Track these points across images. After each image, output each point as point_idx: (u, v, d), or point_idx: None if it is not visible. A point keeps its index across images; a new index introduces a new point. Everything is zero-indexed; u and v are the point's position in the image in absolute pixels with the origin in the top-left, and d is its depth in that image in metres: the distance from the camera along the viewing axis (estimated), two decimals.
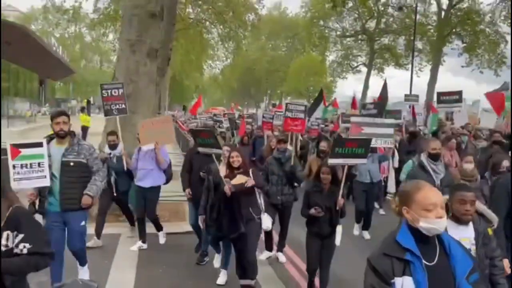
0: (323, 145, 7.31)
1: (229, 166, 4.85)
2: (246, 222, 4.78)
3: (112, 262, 5.76)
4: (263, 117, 12.09)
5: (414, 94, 17.38)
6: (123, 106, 7.10)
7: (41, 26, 44.45)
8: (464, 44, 30.43)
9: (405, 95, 16.61)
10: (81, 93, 56.30)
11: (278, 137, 6.73)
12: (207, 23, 29.50)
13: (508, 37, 28.59)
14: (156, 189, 6.42)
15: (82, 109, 20.70)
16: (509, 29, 27.67)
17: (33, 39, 21.95)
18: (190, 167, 6.14)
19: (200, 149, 5.54)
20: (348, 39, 37.94)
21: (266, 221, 5.06)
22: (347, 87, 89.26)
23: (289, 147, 6.59)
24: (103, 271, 5.34)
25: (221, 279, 5.23)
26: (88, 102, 27.93)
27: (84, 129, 17.91)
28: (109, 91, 7.09)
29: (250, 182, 4.72)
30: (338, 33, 37.67)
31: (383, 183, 8.71)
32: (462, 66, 31.67)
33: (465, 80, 60.62)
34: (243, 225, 4.73)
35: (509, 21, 26.87)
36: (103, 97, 7.13)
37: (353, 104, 17.25)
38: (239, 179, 4.72)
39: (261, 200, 5.15)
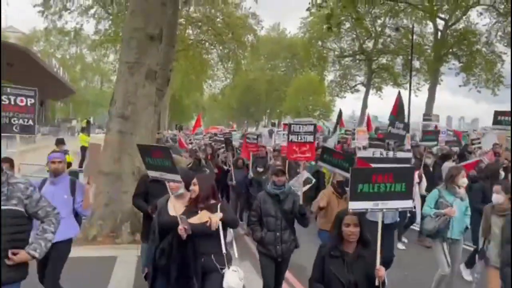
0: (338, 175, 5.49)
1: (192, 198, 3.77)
2: (203, 276, 3.59)
3: (108, 285, 5.69)
4: (247, 138, 10.36)
5: (434, 114, 16.62)
6: (30, 122, 5.41)
7: (42, 48, 44.94)
8: (461, 64, 30.72)
9: (424, 115, 15.93)
10: (81, 113, 56.56)
11: (276, 168, 5.08)
12: (207, 44, 29.87)
13: (505, 57, 28.89)
14: (65, 245, 4.50)
15: (82, 130, 20.75)
16: (505, 49, 28.00)
17: (34, 61, 22.19)
18: (145, 198, 4.91)
19: (150, 173, 4.06)
20: (346, 59, 38.32)
21: (231, 280, 3.55)
22: (346, 106, 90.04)
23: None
24: None
25: None
26: (88, 122, 27.98)
27: (83, 149, 17.92)
28: (12, 97, 5.29)
29: (214, 221, 3.53)
30: (337, 53, 38.07)
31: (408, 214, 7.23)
32: (460, 86, 31.91)
33: (464, 99, 61.18)
34: (198, 281, 3.55)
35: (506, 41, 27.21)
36: (2, 105, 5.20)
37: (368, 124, 16.42)
38: (201, 216, 3.62)
39: (232, 246, 4.35)
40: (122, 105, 7.86)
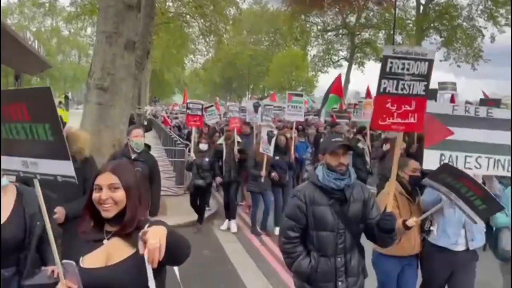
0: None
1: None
2: None
3: None
4: (230, 111, 10.53)
5: (450, 81, 13.93)
6: None
7: (16, 21, 43.28)
8: (442, 39, 30.92)
9: (439, 83, 13.48)
10: (59, 88, 55.18)
11: (335, 141, 2.89)
12: (188, 17, 29.21)
13: (485, 31, 29.16)
14: None
15: (60, 104, 20.29)
16: (485, 23, 28.23)
17: (7, 33, 21.35)
18: None
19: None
20: (329, 33, 38.10)
21: None
22: (329, 82, 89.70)
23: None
24: None
25: None
26: (66, 97, 27.31)
27: (62, 124, 17.56)
28: None
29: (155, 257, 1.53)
30: (319, 27, 37.79)
31: None
32: (441, 60, 32.19)
33: (445, 74, 61.79)
34: None
35: (486, 15, 27.40)
36: None
37: (368, 93, 15.15)
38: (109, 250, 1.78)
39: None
40: (101, 76, 7.63)
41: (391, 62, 2.72)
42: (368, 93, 15.45)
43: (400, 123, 2.78)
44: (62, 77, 54.37)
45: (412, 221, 3.01)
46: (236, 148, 7.53)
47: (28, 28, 40.45)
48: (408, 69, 2.73)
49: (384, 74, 2.74)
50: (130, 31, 8.03)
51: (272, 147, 7.76)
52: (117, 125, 7.75)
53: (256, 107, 9.39)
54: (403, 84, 2.75)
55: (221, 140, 7.90)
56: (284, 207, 7.05)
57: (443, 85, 13.31)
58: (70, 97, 38.11)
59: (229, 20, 29.06)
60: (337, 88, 13.24)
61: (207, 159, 7.38)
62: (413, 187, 3.61)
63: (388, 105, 2.76)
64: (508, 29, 27.25)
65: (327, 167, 2.78)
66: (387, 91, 2.75)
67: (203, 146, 7.48)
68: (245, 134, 9.09)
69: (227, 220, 7.56)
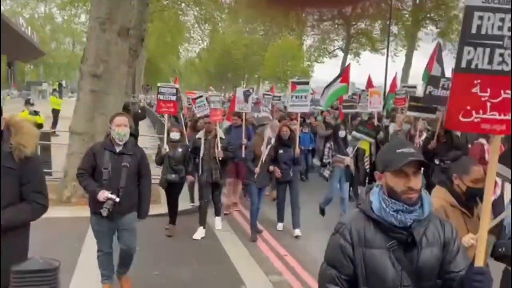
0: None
1: None
2: None
3: (83, 245, 5.66)
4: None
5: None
6: None
7: (9, 7, 42.67)
8: (438, 29, 30.89)
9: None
10: (53, 76, 54.66)
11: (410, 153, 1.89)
12: (183, 5, 28.95)
13: None
14: None
15: (53, 92, 20.11)
16: None
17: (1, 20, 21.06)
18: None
19: None
20: (325, 23, 37.92)
21: None
22: (324, 72, 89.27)
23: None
24: (73, 254, 5.25)
25: None
26: (60, 84, 27.13)
27: (55, 112, 17.44)
28: None
29: None
30: (316, 17, 37.60)
31: None
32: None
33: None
34: None
35: None
36: None
37: (369, 83, 13.97)
38: None
39: None
40: (94, 63, 7.59)
41: (480, 18, 1.66)
42: (369, 83, 14.87)
43: (496, 120, 1.71)
44: (56, 65, 53.86)
45: (468, 239, 2.41)
46: (219, 144, 6.54)
47: (21, 14, 39.92)
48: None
49: (468, 38, 1.67)
50: (124, 18, 7.97)
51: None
52: (111, 112, 7.68)
53: (246, 96, 8.28)
54: (502, 55, 1.67)
55: (200, 134, 6.79)
56: (294, 205, 6.77)
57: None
58: (64, 85, 37.80)
59: (224, 8, 28.84)
60: (347, 78, 12.35)
61: (180, 150, 6.48)
62: (473, 199, 2.84)
63: (476, 89, 1.69)
64: None
65: (388, 192, 1.87)
66: (473, 66, 1.68)
67: (174, 135, 6.61)
68: (235, 126, 8.14)
69: (201, 228, 6.46)
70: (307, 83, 8.03)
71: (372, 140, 7.57)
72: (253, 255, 5.85)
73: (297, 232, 6.66)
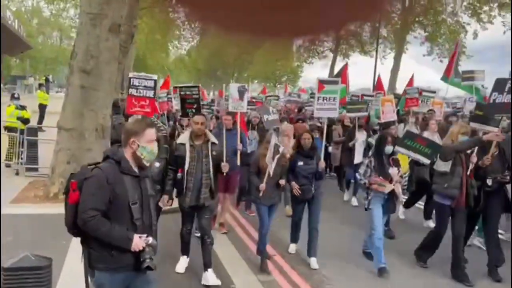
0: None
1: None
2: None
3: (71, 242, 5.60)
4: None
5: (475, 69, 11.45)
6: None
7: None
8: (427, 33, 31.22)
9: (463, 72, 11.43)
10: (39, 71, 53.79)
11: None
12: (173, 1, 28.72)
13: (468, 27, 29.56)
14: None
15: (40, 86, 19.82)
16: (469, 20, 28.62)
17: None
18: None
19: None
20: None
21: None
22: (313, 73, 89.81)
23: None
24: (61, 251, 5.19)
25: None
26: (47, 79, 26.74)
27: (42, 107, 17.19)
28: None
29: None
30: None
31: None
32: (424, 55, 32.53)
33: (428, 69, 62.53)
34: None
35: (470, 11, 27.77)
36: None
37: (379, 85, 13.58)
38: None
39: None
40: (84, 58, 7.51)
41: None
42: (379, 86, 13.45)
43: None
44: (43, 59, 52.97)
45: None
46: (210, 152, 5.00)
47: (8, 7, 39.11)
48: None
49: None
50: (115, 13, 7.90)
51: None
52: (101, 109, 7.67)
53: (241, 93, 7.05)
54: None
55: (183, 139, 5.07)
56: (312, 228, 5.66)
57: (468, 74, 11.08)
58: (51, 80, 37.28)
59: None
60: (345, 78, 11.53)
61: (157, 164, 4.95)
62: None
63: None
64: (490, 26, 27.72)
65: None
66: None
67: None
68: (227, 129, 6.67)
69: (184, 257, 5.29)
70: (337, 82, 6.79)
71: (427, 162, 5.48)
72: (242, 254, 5.87)
73: (313, 263, 5.53)
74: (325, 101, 6.36)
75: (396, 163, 5.40)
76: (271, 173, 5.24)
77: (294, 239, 6.05)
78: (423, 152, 5.26)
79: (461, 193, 5.25)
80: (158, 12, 27.92)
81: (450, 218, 5.42)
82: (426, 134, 7.75)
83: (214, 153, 5.01)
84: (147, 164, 3.01)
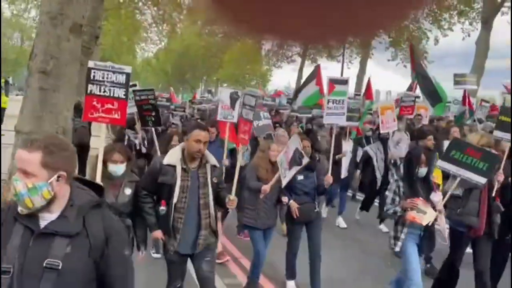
0: None
1: None
2: None
3: None
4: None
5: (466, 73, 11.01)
6: None
7: None
8: (391, 39, 32.11)
9: (455, 75, 10.88)
10: None
11: None
12: (140, 3, 28.33)
13: (429, 34, 30.63)
14: None
15: None
16: (430, 26, 29.66)
17: None
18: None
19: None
20: None
21: None
22: (282, 77, 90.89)
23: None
24: None
25: None
26: (6, 82, 25.67)
27: (0, 110, 16.53)
28: None
29: None
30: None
31: None
32: (388, 60, 33.44)
33: (393, 74, 64.51)
34: None
35: (431, 18, 28.78)
36: None
37: (369, 92, 12.84)
38: None
39: None
40: (43, 59, 7.23)
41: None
42: (369, 92, 12.67)
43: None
44: (3, 61, 51.08)
45: None
46: (210, 179, 3.74)
47: None
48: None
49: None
50: (77, 13, 7.66)
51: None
52: (61, 111, 7.40)
53: (233, 100, 5.84)
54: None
55: (172, 159, 3.65)
56: (314, 254, 4.81)
57: (460, 78, 10.61)
58: (11, 82, 35.91)
59: (183, 9, 28.51)
60: (320, 81, 10.87)
61: (127, 192, 3.71)
62: None
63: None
64: (450, 33, 28.81)
65: None
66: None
67: (116, 169, 3.73)
68: (210, 141, 5.13)
69: None
70: (346, 82, 5.72)
71: (483, 182, 3.96)
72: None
73: None
74: (334, 104, 5.45)
75: (437, 188, 4.15)
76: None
77: (292, 275, 5.01)
78: (477, 169, 3.81)
79: (480, 220, 4.17)
80: (124, 14, 27.45)
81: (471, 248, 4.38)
82: (445, 145, 6.31)
83: (215, 180, 3.64)
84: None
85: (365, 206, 7.78)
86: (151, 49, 40.44)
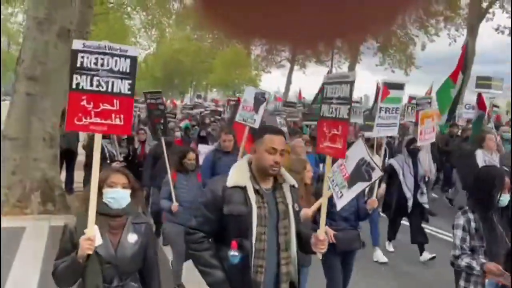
0: None
1: None
2: None
3: (15, 258, 5.31)
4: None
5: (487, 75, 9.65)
6: None
7: None
8: (379, 44, 32.47)
9: (478, 77, 9.83)
10: None
11: None
12: (129, 8, 28.25)
13: (416, 39, 31.04)
14: None
15: None
16: (417, 32, 30.08)
17: None
18: None
19: None
20: None
21: None
22: (272, 82, 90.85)
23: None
24: (4, 268, 4.90)
25: None
26: None
27: None
28: None
29: None
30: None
31: None
32: (376, 65, 33.79)
33: (381, 78, 65.15)
34: None
35: (417, 24, 29.19)
36: None
37: (384, 93, 12.36)
38: None
39: None
40: (31, 64, 7.21)
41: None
42: (384, 93, 12.10)
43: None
44: None
45: None
46: (292, 206, 2.68)
47: None
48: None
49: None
50: (64, 18, 7.64)
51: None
52: (49, 117, 7.38)
53: (258, 102, 5.06)
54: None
55: (239, 179, 2.44)
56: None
57: (484, 81, 9.54)
58: None
59: (172, 14, 28.51)
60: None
61: (132, 239, 2.52)
62: None
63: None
64: (437, 38, 29.24)
65: None
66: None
67: (116, 195, 2.49)
68: (225, 152, 5.21)
69: None
70: (402, 86, 4.83)
71: None
72: None
73: None
74: (387, 113, 4.54)
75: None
76: (339, 206, 3.15)
77: None
78: None
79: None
80: (113, 19, 27.33)
81: None
82: (480, 155, 6.23)
83: (296, 207, 2.53)
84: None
85: (393, 233, 6.42)
86: (140, 54, 40.35)
